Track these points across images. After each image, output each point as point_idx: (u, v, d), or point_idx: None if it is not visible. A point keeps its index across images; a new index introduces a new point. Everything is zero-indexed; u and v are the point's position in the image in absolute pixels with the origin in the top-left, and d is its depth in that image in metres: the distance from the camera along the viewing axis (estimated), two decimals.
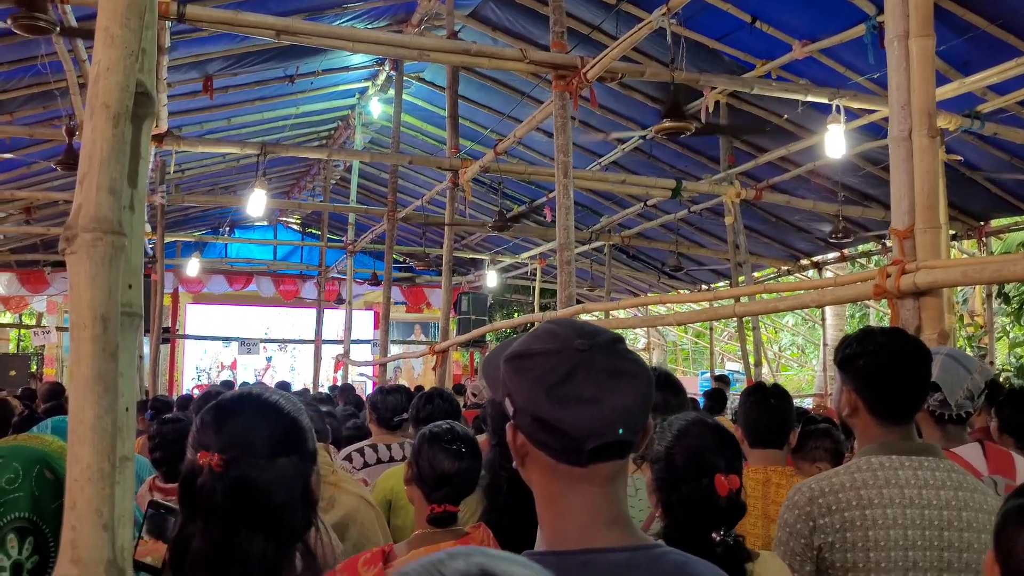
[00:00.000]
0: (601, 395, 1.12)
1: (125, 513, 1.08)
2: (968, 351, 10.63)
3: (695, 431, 1.97)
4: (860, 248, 12.45)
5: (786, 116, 8.72)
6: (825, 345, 15.23)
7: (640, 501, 2.21)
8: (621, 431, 1.13)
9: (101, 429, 1.03)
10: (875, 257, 12.77)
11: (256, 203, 9.04)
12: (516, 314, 20.41)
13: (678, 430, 1.98)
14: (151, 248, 12.39)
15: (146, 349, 11.24)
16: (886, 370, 2.09)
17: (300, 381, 17.84)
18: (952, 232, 9.68)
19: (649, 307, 15.84)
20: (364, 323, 18.76)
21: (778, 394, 3.20)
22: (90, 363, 1.03)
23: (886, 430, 2.12)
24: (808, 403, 13.74)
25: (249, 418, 1.48)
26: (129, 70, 1.10)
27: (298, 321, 18.65)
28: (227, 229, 17.65)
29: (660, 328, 19.40)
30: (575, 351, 1.14)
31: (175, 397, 13.37)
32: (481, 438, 3.19)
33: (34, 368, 16.92)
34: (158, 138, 7.68)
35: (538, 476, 1.18)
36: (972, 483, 2.09)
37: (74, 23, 5.74)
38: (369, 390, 17.04)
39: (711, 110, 8.08)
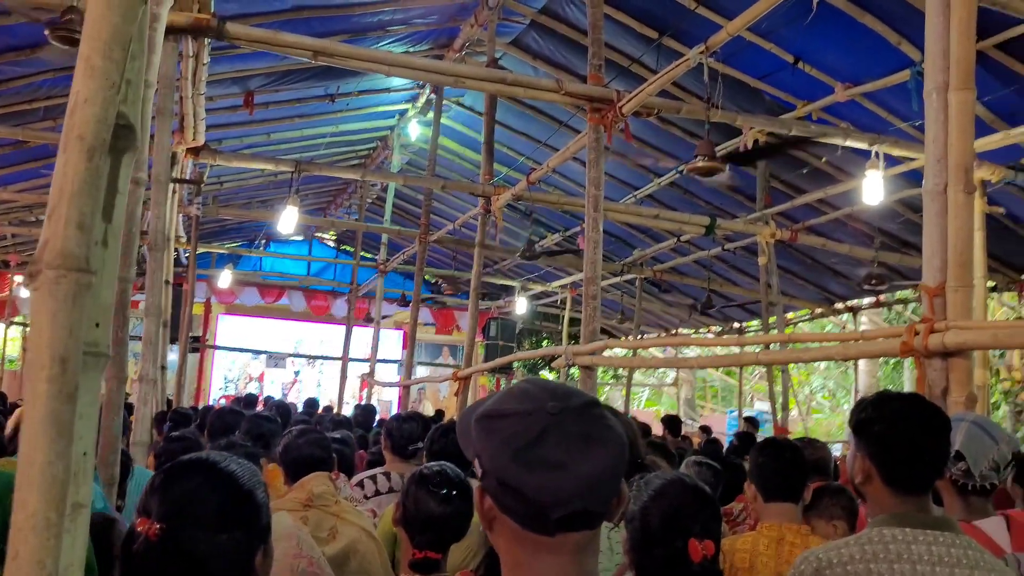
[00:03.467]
0: (569, 461, 1.07)
1: (75, 563, 1.03)
2: (1004, 406, 10.38)
3: (672, 492, 1.91)
4: (897, 294, 12.25)
5: (825, 159, 8.61)
6: (857, 391, 14.98)
7: (616, 556, 2.15)
8: (587, 501, 1.07)
9: (51, 475, 0.98)
10: (912, 304, 12.56)
11: (287, 220, 9.10)
12: (546, 342, 20.33)
13: (655, 490, 1.92)
14: (185, 258, 12.51)
15: (173, 357, 11.30)
16: (903, 438, 2.00)
17: (326, 397, 17.89)
18: (991, 284, 9.48)
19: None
20: (392, 343, 18.79)
21: (791, 447, 3.12)
22: (44, 404, 0.99)
23: (901, 500, 2.02)
24: (838, 449, 13.48)
25: (197, 487, 1.41)
26: (108, 102, 1.06)
27: (327, 337, 18.71)
28: (262, 242, 17.80)
29: None
30: (546, 414, 1.09)
31: (201, 406, 13.47)
32: None
33: None
34: (194, 151, 7.75)
35: (504, 542, 1.14)
36: (990, 562, 1.98)
37: None
38: (394, 410, 17.03)
39: (749, 149, 8.00)
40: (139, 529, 1.34)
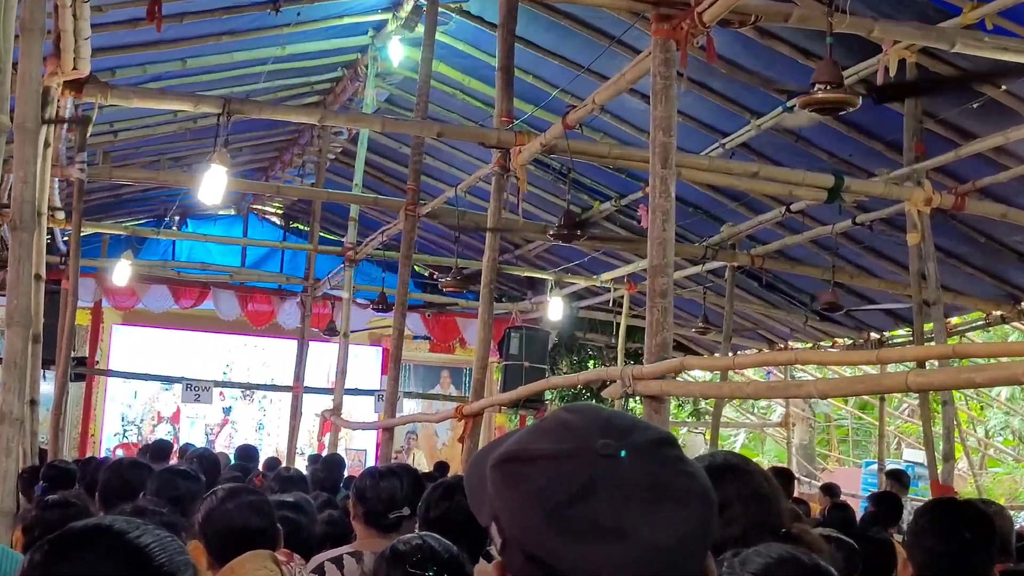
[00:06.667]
0: (629, 525, 1.07)
1: None
2: None
3: (782, 575, 1.89)
4: None
5: (1004, 87, 8.55)
6: None
7: None
8: None
9: None
10: None
11: (212, 185, 9.11)
12: (592, 362, 20.30)
13: (757, 571, 1.89)
14: (63, 242, 12.58)
15: (49, 388, 11.36)
16: None
17: (270, 446, 17.96)
18: None
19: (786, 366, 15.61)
20: (368, 365, 18.86)
21: (976, 520, 3.08)
22: None
23: None
24: None
25: (94, 566, 1.42)
26: None
27: (272, 358, 18.81)
28: (176, 220, 17.85)
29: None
30: (595, 455, 1.10)
31: (89, 455, 13.53)
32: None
33: None
34: (76, 85, 7.79)
35: None
36: None
37: None
38: (370, 463, 17.07)
39: (892, 74, 7.95)
40: None
